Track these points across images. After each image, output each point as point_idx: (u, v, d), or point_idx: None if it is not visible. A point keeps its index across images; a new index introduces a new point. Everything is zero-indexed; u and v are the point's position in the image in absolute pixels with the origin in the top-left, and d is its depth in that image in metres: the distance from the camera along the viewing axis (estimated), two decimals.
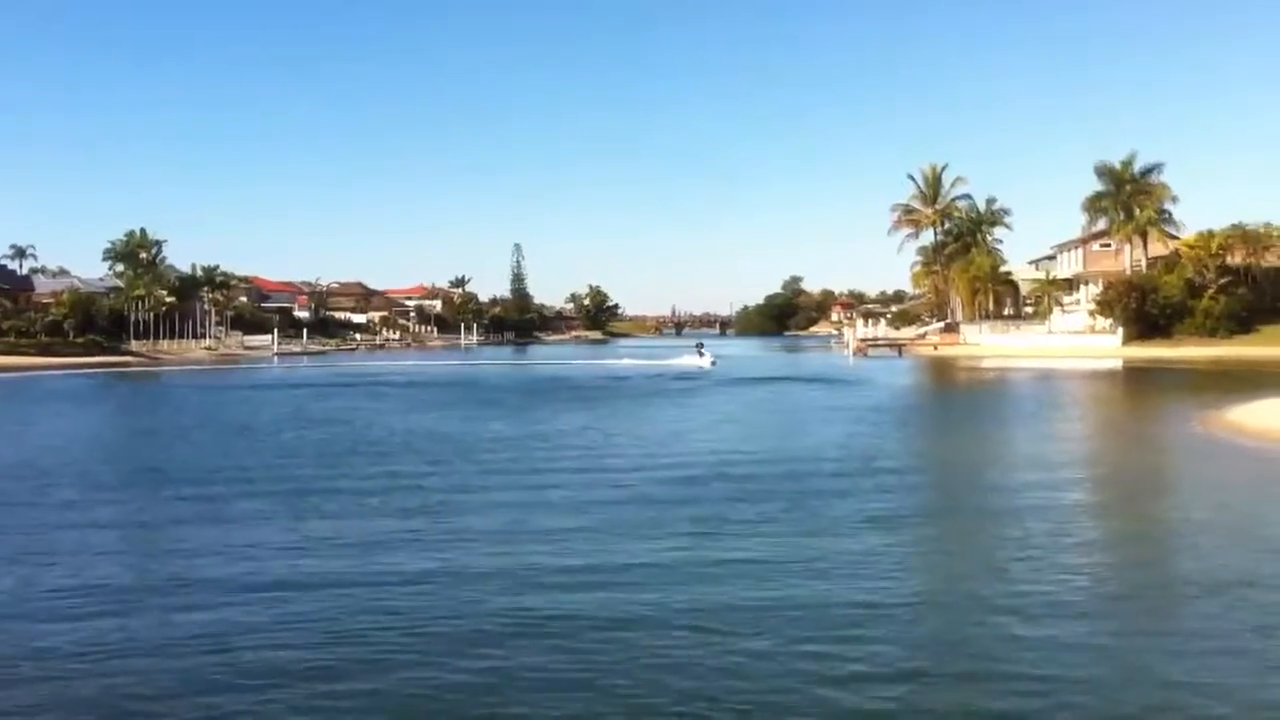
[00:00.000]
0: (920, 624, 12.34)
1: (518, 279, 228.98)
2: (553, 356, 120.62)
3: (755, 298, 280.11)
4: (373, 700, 9.98)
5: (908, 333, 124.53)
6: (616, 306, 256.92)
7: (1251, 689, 10.01)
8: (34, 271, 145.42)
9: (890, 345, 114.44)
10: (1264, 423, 31.24)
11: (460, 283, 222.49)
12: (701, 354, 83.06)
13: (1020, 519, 18.40)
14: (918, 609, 12.98)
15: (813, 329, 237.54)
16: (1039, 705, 9.63)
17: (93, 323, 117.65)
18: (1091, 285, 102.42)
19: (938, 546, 17.03)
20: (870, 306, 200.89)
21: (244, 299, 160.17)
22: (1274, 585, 13.67)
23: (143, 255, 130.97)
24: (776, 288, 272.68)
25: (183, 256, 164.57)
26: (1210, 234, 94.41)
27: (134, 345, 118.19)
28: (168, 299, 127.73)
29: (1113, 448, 32.62)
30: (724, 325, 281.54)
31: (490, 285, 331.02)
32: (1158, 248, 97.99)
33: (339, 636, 11.85)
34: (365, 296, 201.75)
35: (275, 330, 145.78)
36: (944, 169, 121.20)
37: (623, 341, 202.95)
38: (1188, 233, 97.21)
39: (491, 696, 10.05)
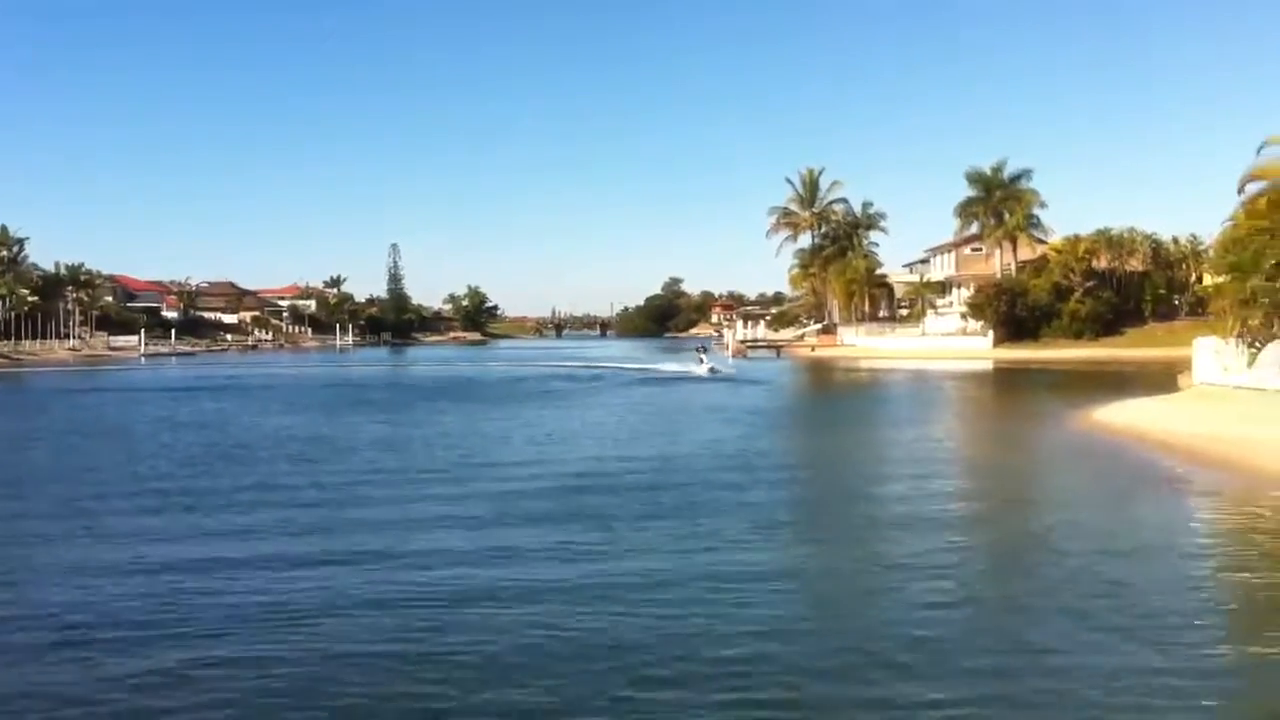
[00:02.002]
0: (791, 613, 12.11)
1: (395, 279, 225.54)
2: (452, 359, 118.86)
3: (636, 299, 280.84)
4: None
5: (786, 334, 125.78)
6: (495, 307, 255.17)
7: (1089, 647, 10.08)
8: None
9: (769, 346, 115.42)
10: (1124, 421, 32.17)
11: (335, 282, 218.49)
12: (701, 360, 71.11)
13: (894, 513, 18.61)
14: (788, 600, 12.77)
15: (693, 330, 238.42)
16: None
17: None
18: (963, 288, 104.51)
19: (810, 548, 16.87)
20: (750, 308, 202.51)
21: (110, 299, 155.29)
22: (1120, 563, 14.65)
23: (3, 253, 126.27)
24: (657, 289, 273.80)
25: (45, 255, 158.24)
26: (1077, 239, 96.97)
27: None
28: (30, 298, 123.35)
29: (982, 446, 33.03)
30: (604, 326, 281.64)
31: (367, 285, 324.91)
32: (1026, 252, 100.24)
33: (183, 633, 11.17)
34: (237, 296, 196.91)
35: (143, 331, 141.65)
36: (821, 173, 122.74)
37: (503, 343, 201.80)
38: (1055, 237, 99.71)
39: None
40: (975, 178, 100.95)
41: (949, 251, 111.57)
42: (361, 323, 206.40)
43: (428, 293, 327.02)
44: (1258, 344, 33.12)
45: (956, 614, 12.58)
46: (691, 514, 18.78)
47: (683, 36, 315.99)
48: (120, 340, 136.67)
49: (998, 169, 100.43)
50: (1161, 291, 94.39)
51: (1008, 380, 65.95)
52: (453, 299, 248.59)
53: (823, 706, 9.72)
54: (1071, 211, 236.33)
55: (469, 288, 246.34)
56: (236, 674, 10.54)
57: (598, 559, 15.43)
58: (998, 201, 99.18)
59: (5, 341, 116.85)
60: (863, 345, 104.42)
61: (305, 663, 10.88)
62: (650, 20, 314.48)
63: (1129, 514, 18.87)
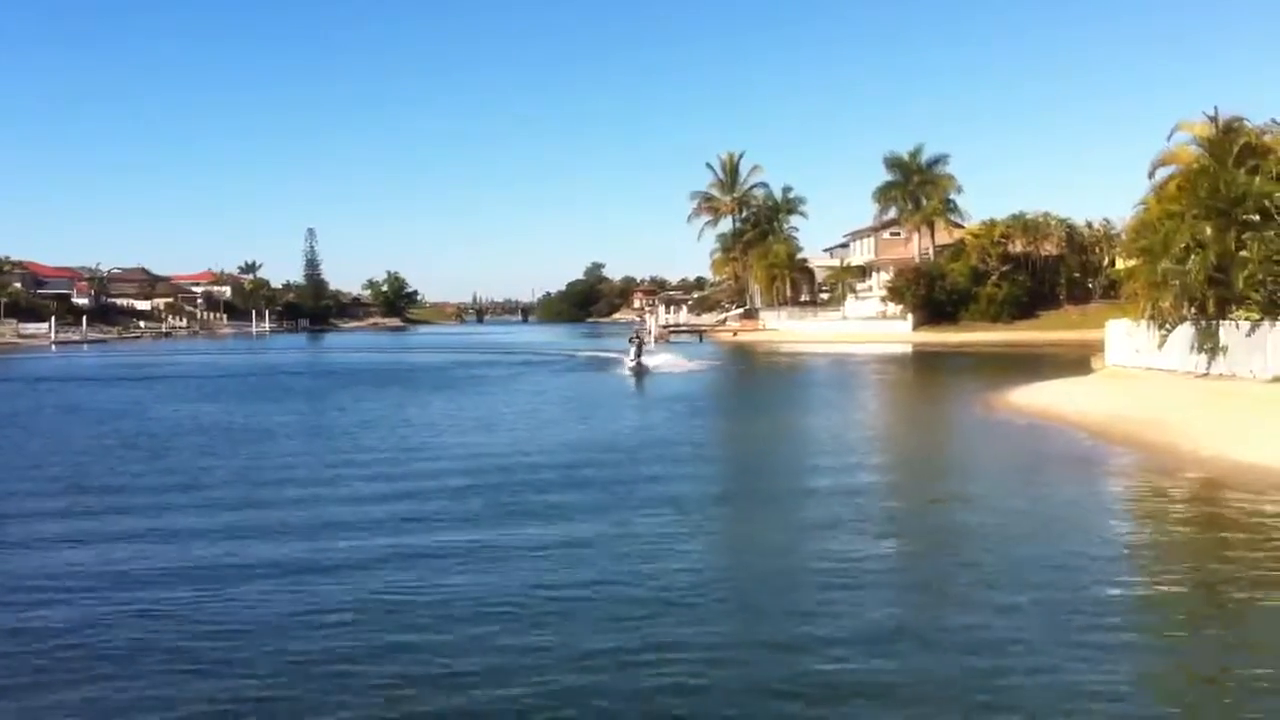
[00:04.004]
0: (711, 601, 12.03)
1: (311, 265, 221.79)
2: (372, 345, 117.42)
3: (557, 284, 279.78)
4: None
5: (708, 319, 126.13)
6: (415, 293, 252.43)
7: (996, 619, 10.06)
8: None
9: (691, 332, 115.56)
10: (1039, 403, 32.68)
11: (251, 268, 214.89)
12: (636, 349, 58.70)
13: (816, 497, 18.82)
14: (710, 586, 12.72)
15: (615, 316, 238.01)
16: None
17: None
18: (883, 272, 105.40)
19: (727, 525, 16.90)
20: (672, 293, 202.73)
21: (18, 285, 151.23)
22: (1029, 539, 14.98)
23: None
24: (579, 274, 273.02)
25: None
26: (993, 223, 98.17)
27: None
28: None
29: (900, 429, 33.39)
30: (525, 312, 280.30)
31: (283, 271, 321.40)
32: (944, 236, 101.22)
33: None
34: (150, 283, 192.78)
35: (53, 318, 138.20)
36: (741, 157, 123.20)
37: (422, 329, 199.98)
38: (973, 222, 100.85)
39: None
40: (893, 163, 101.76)
41: (868, 236, 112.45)
42: (279, 309, 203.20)
43: (346, 278, 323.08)
44: (1168, 326, 33.70)
45: (864, 594, 12.64)
46: (608, 502, 18.70)
47: (605, 19, 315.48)
48: (30, 328, 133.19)
49: (915, 154, 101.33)
50: (1075, 275, 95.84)
51: (927, 363, 66.66)
52: (371, 284, 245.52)
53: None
54: (988, 196, 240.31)
55: (388, 273, 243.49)
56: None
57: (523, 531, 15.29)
58: (915, 186, 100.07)
59: None
60: (784, 329, 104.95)
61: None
62: (586, 11, 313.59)
63: (1041, 492, 19.14)
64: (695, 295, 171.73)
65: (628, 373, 55.74)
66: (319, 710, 9.24)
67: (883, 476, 22.36)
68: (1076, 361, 43.91)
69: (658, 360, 60.77)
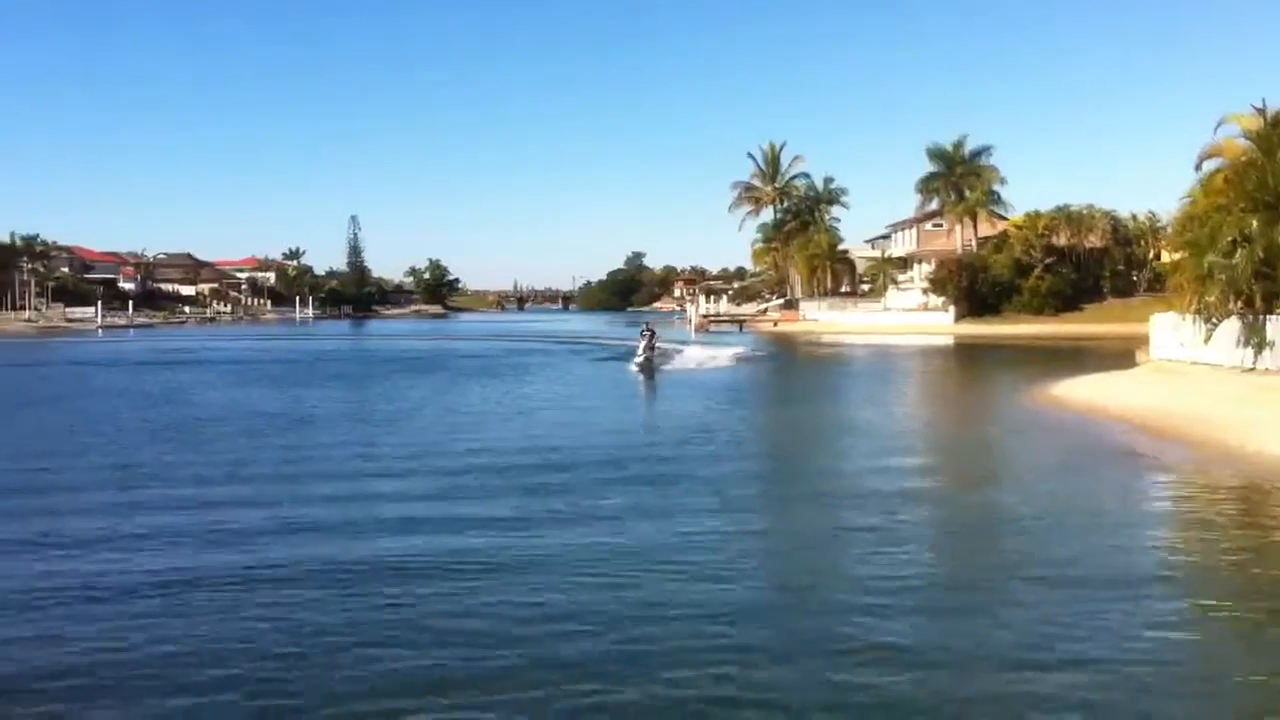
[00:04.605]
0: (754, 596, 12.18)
1: (354, 252, 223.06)
2: (415, 332, 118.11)
3: (598, 273, 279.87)
4: None
5: (749, 309, 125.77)
6: (457, 280, 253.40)
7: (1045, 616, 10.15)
8: None
9: (731, 321, 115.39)
10: (1083, 396, 32.52)
11: (295, 255, 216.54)
12: (641, 342, 52.77)
13: (854, 486, 18.74)
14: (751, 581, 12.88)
15: (655, 305, 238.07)
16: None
17: None
18: (925, 264, 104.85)
19: (765, 523, 17.03)
20: (712, 283, 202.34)
21: (66, 270, 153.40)
22: (1075, 534, 14.73)
23: None
24: (619, 263, 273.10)
25: None
26: (1037, 215, 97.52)
27: None
28: None
29: (943, 421, 33.34)
30: (566, 300, 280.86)
31: (326, 258, 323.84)
32: (987, 228, 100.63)
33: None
34: (195, 268, 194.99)
35: (99, 302, 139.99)
36: (783, 147, 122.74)
37: (464, 316, 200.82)
38: (1016, 214, 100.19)
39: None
40: (936, 154, 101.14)
41: (910, 227, 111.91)
42: (322, 295, 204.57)
43: (389, 266, 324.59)
44: (1214, 320, 33.45)
45: (913, 588, 12.66)
46: (649, 489, 18.91)
47: (648, 11, 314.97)
48: (77, 312, 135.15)
49: (958, 145, 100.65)
50: (1120, 268, 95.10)
51: (969, 356, 66.42)
52: (414, 272, 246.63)
53: (774, 689, 9.76)
54: (1032, 188, 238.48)
55: (430, 260, 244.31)
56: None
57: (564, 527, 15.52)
58: (958, 177, 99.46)
59: None
60: (825, 320, 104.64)
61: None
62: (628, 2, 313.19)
63: (1085, 487, 19.13)
64: (736, 285, 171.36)
65: (634, 369, 50.10)
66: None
67: (926, 470, 22.34)
68: (1121, 355, 43.64)
69: (688, 356, 57.71)
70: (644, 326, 55.22)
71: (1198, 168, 39.81)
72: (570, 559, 13.84)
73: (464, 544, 14.65)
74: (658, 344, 53.42)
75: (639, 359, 51.07)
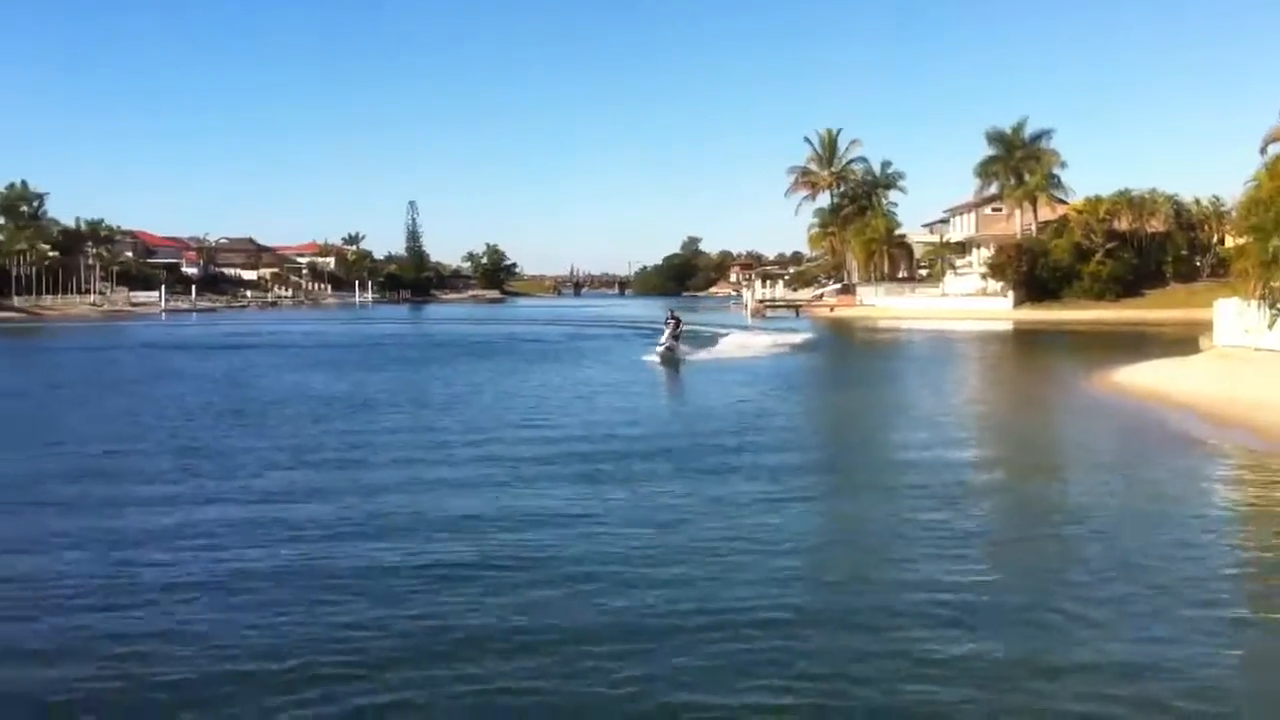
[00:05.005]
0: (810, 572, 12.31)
1: (413, 236, 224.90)
2: (474, 316, 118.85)
3: (654, 258, 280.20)
4: None
5: (805, 294, 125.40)
6: (514, 265, 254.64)
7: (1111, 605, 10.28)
8: None
9: (788, 306, 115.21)
10: (1145, 383, 32.26)
11: (354, 240, 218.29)
12: (665, 330, 49.19)
13: (915, 476, 18.83)
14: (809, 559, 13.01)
15: (711, 290, 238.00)
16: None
17: None
18: (983, 249, 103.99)
19: (829, 511, 17.12)
20: (768, 268, 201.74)
21: (130, 254, 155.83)
22: (1140, 523, 14.85)
23: (24, 209, 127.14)
24: (675, 248, 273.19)
25: (66, 210, 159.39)
26: (1098, 199, 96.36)
27: (16, 301, 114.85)
28: (50, 254, 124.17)
29: (1004, 407, 33.21)
30: (623, 285, 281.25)
31: (385, 243, 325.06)
32: (1047, 212, 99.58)
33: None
34: (256, 253, 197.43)
35: (163, 286, 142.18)
36: (840, 132, 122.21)
37: (521, 301, 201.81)
38: (1076, 198, 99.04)
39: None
40: (995, 137, 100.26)
41: (969, 212, 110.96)
42: (380, 280, 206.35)
43: (446, 251, 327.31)
44: (1279, 306, 33.04)
45: (980, 579, 12.67)
46: (711, 470, 19.11)
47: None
48: (141, 296, 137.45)
49: (1018, 129, 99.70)
50: (1183, 253, 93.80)
51: (1028, 341, 65.89)
52: (471, 257, 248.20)
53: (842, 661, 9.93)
54: (1092, 172, 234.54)
55: (487, 246, 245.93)
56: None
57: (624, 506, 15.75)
58: (1018, 161, 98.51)
59: (26, 297, 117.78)
60: (882, 305, 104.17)
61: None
62: None
63: (1149, 474, 19.03)
64: (792, 270, 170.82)
65: (655, 358, 46.32)
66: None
67: (989, 461, 22.11)
68: (1183, 341, 43.08)
69: (726, 344, 55.70)
70: (668, 313, 50.95)
71: (1263, 151, 39.32)
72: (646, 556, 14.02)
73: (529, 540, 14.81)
74: (683, 331, 50.31)
75: (660, 348, 47.34)
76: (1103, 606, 11.36)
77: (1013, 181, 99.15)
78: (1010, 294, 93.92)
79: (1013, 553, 13.98)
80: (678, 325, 48.92)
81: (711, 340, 57.22)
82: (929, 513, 15.78)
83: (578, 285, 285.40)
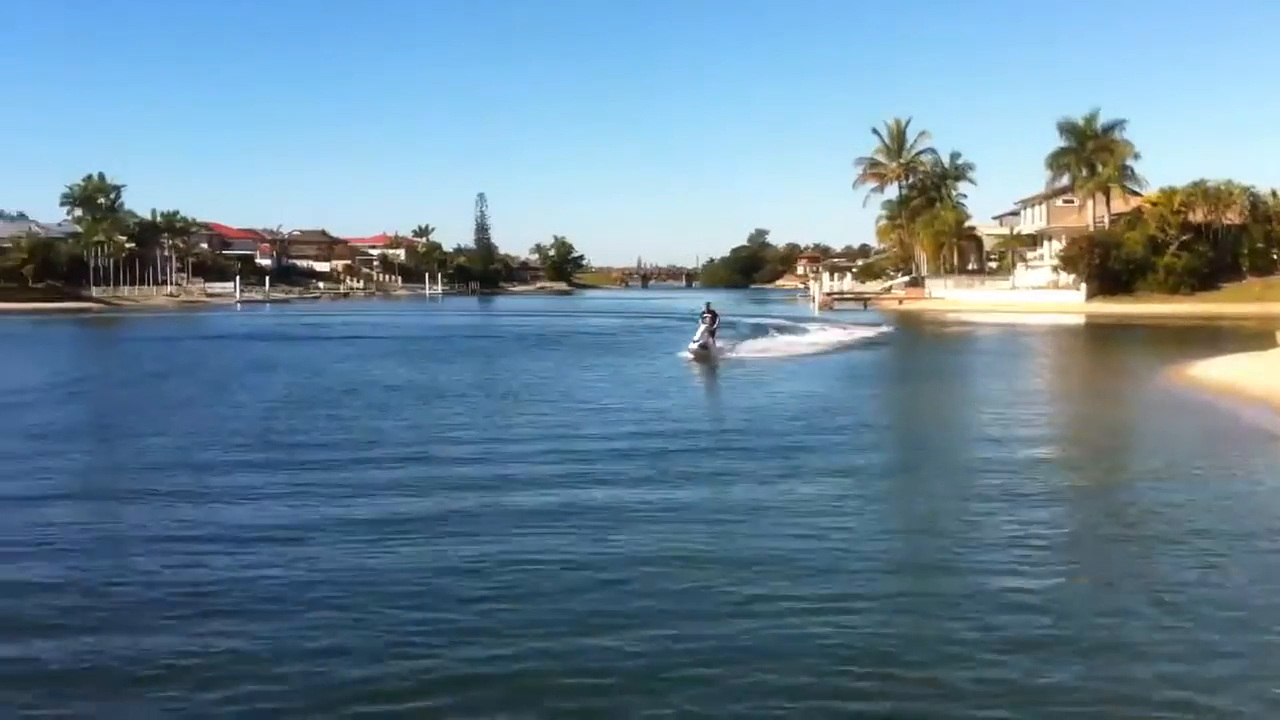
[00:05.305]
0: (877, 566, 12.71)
1: (482, 229, 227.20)
2: (544, 309, 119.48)
3: (721, 250, 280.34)
4: None
5: (873, 287, 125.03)
6: (581, 258, 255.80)
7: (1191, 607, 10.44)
8: None
9: (855, 299, 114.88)
10: (1222, 378, 31.97)
11: (424, 232, 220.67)
12: (701, 326, 45.04)
13: (996, 467, 19.01)
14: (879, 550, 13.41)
15: (778, 282, 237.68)
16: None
17: (51, 268, 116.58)
18: (1055, 241, 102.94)
19: (898, 505, 17.36)
20: (835, 260, 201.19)
21: (205, 246, 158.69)
22: (1221, 518, 14.80)
23: (101, 200, 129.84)
24: (742, 240, 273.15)
25: (142, 202, 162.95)
26: (1172, 191, 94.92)
27: (94, 291, 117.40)
28: (128, 245, 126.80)
29: (1078, 402, 33.10)
30: (690, 277, 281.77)
31: (454, 235, 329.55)
32: (1120, 204, 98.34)
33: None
34: (328, 245, 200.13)
35: (238, 277, 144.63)
36: (908, 123, 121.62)
37: (589, 293, 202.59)
38: (1150, 190, 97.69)
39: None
40: (1067, 128, 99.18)
41: (1040, 204, 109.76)
42: (450, 272, 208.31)
43: (514, 243, 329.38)
44: None
45: (1055, 577, 12.73)
46: (784, 459, 19.55)
47: None
48: (216, 287, 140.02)
49: (1090, 119, 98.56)
50: (1259, 245, 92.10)
51: (1101, 335, 65.31)
52: (539, 249, 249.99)
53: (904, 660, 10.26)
54: (1167, 164, 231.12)
55: (555, 238, 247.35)
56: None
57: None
58: (1090, 153, 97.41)
59: (104, 288, 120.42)
60: (951, 298, 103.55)
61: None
62: None
63: (1227, 470, 18.87)
64: (860, 263, 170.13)
65: (689, 356, 43.22)
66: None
67: (1064, 460, 21.74)
68: (1260, 335, 42.49)
69: (780, 340, 53.70)
70: (705, 307, 46.07)
71: None
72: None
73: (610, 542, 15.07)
74: (719, 327, 46.33)
75: (694, 345, 43.81)
76: (1177, 612, 11.23)
77: (1085, 173, 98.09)
78: (1082, 287, 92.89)
79: (1090, 559, 13.64)
80: (714, 320, 45.29)
81: (796, 329, 56.79)
82: (1007, 514, 15.56)
83: (645, 277, 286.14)
